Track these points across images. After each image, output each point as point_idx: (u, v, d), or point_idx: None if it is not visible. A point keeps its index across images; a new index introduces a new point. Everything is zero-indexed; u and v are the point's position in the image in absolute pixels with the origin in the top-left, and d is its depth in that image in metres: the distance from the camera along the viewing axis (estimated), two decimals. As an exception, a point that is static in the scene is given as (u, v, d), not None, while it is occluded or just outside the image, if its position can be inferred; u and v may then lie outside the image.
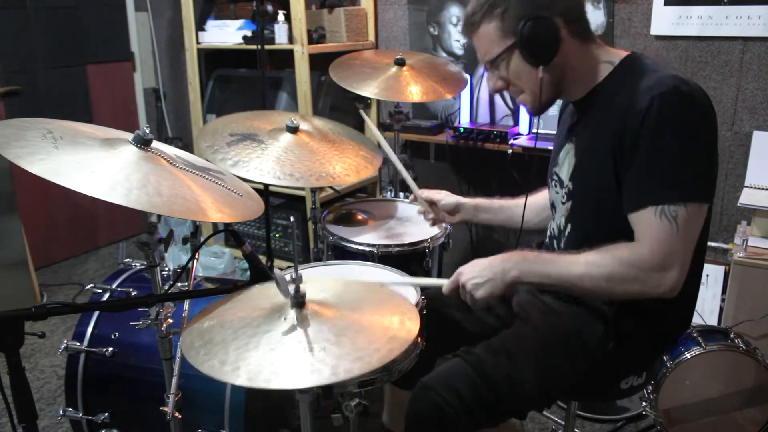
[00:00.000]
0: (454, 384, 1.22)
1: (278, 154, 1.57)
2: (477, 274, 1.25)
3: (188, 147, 3.73)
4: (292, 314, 1.02)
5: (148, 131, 1.11)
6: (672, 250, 1.13)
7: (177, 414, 1.32)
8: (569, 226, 1.33)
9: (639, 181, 1.15)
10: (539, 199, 1.59)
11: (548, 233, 1.43)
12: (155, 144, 1.14)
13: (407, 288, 1.47)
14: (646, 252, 1.14)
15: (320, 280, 1.25)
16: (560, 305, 1.35)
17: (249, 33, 2.97)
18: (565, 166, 1.34)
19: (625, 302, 1.26)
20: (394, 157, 1.89)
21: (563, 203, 1.34)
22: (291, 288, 1.04)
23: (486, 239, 3.07)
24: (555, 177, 1.39)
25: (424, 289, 1.44)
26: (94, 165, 1.01)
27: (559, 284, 1.23)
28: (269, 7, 2.63)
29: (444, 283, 1.32)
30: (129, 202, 0.96)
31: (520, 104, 1.36)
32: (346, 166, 1.63)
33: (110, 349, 1.62)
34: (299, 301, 1.03)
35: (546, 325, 1.33)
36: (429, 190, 1.72)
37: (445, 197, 1.68)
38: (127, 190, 0.98)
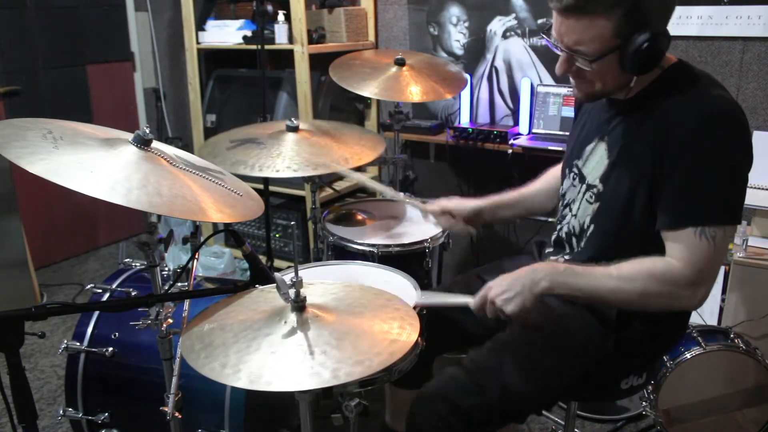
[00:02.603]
0: (450, 395, 1.22)
1: (278, 151, 1.57)
2: (506, 288, 1.21)
3: (188, 147, 3.73)
4: (292, 317, 1.03)
5: (148, 131, 1.11)
6: (707, 267, 1.15)
7: (177, 414, 1.32)
8: (593, 227, 1.31)
9: (680, 199, 1.15)
10: (548, 186, 1.58)
11: (565, 230, 1.39)
12: (155, 144, 1.14)
13: (407, 287, 1.47)
14: (682, 269, 1.14)
15: (325, 283, 1.25)
16: (560, 306, 1.35)
17: (249, 33, 2.97)
18: (592, 163, 1.31)
19: (648, 310, 1.25)
20: (394, 194, 1.80)
21: (590, 203, 1.31)
22: (291, 292, 1.04)
23: (486, 239, 3.06)
24: (576, 170, 1.36)
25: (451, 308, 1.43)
26: (94, 165, 1.01)
27: (590, 297, 1.21)
28: (269, 7, 2.63)
29: (470, 301, 1.27)
30: (129, 202, 0.96)
31: (576, 87, 1.26)
32: (346, 154, 1.62)
33: (110, 349, 1.62)
34: (299, 306, 1.04)
35: (545, 327, 1.33)
36: (438, 202, 1.58)
37: (458, 205, 1.56)
38: (127, 190, 0.98)
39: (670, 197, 1.16)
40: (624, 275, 1.17)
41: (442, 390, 1.24)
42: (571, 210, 1.38)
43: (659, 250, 1.18)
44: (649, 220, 1.20)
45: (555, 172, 1.57)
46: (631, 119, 1.25)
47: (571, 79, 1.25)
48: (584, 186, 1.33)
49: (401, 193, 1.79)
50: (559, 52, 1.20)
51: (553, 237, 1.46)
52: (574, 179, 1.37)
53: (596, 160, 1.30)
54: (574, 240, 1.37)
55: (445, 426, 1.21)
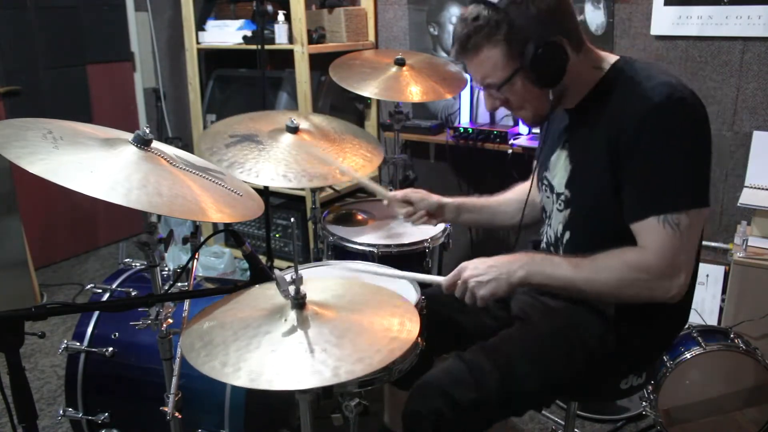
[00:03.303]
0: (448, 388, 1.22)
1: (275, 155, 1.57)
2: (482, 272, 1.23)
3: (188, 147, 3.72)
4: (292, 315, 1.03)
5: (148, 131, 1.11)
6: (677, 255, 1.15)
7: (177, 414, 1.32)
8: (567, 234, 1.33)
9: (639, 191, 1.16)
10: (518, 195, 1.59)
11: (545, 240, 1.43)
12: (155, 144, 1.14)
13: (407, 288, 1.47)
14: (653, 259, 1.15)
15: (321, 279, 1.25)
16: (559, 305, 1.35)
17: (249, 33, 2.97)
18: (558, 173, 1.34)
19: (625, 302, 1.27)
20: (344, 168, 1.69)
21: (560, 211, 1.34)
22: (291, 289, 1.04)
23: (486, 240, 3.06)
24: (546, 182, 1.39)
25: (423, 287, 1.44)
26: (94, 165, 1.01)
27: (566, 286, 1.22)
28: (269, 7, 2.64)
29: (441, 280, 1.30)
30: (129, 202, 0.96)
31: (518, 118, 1.33)
32: (343, 166, 1.62)
33: (110, 349, 1.62)
34: (299, 303, 1.03)
35: (545, 323, 1.33)
36: (403, 190, 1.60)
37: (423, 198, 1.57)
38: (127, 190, 0.98)
39: (630, 190, 1.18)
40: (599, 265, 1.19)
41: (440, 383, 1.24)
42: (548, 221, 1.41)
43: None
44: (617, 219, 1.21)
45: (526, 186, 1.58)
46: (583, 124, 1.27)
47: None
48: (555, 195, 1.35)
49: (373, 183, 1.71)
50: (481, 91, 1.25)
51: (540, 247, 1.47)
52: (546, 191, 1.39)
53: (561, 169, 1.32)
54: (552, 249, 1.39)
55: (442, 419, 1.20)
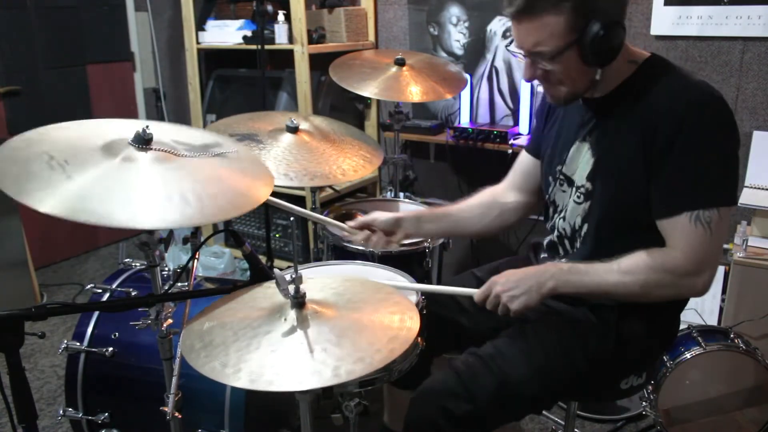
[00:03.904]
0: (442, 400, 1.23)
1: (276, 154, 1.57)
2: (513, 285, 1.24)
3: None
4: (292, 315, 1.03)
5: (148, 131, 1.10)
6: (705, 254, 1.16)
7: (177, 414, 1.32)
8: (586, 226, 1.32)
9: (673, 186, 1.16)
10: (481, 201, 1.57)
11: (556, 233, 1.41)
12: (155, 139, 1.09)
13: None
14: (681, 259, 1.16)
15: (331, 280, 1.24)
16: (560, 306, 1.35)
17: (249, 33, 2.97)
18: (576, 165, 1.32)
19: (627, 303, 1.27)
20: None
21: (578, 203, 1.32)
22: (291, 288, 1.04)
23: (486, 240, 3.06)
24: (561, 176, 1.37)
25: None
26: (114, 186, 0.95)
27: (594, 292, 1.24)
28: (269, 7, 2.64)
29: (473, 292, 1.30)
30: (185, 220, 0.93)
31: (546, 92, 1.28)
32: (344, 165, 1.63)
33: (110, 349, 1.62)
34: (299, 302, 1.03)
35: (544, 325, 1.33)
36: (359, 218, 1.55)
37: (376, 217, 1.52)
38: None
39: (663, 185, 1.17)
40: (625, 269, 1.20)
41: (434, 395, 1.25)
42: (559, 214, 1.40)
43: (657, 242, 1.20)
44: (643, 212, 1.21)
45: (492, 192, 1.58)
46: (613, 115, 1.25)
47: (542, 87, 1.27)
48: (573, 189, 1.34)
49: (323, 216, 1.71)
50: (522, 59, 1.22)
51: (546, 241, 1.47)
52: (561, 184, 1.38)
53: (581, 161, 1.31)
54: (567, 242, 1.38)
55: (441, 430, 1.21)
